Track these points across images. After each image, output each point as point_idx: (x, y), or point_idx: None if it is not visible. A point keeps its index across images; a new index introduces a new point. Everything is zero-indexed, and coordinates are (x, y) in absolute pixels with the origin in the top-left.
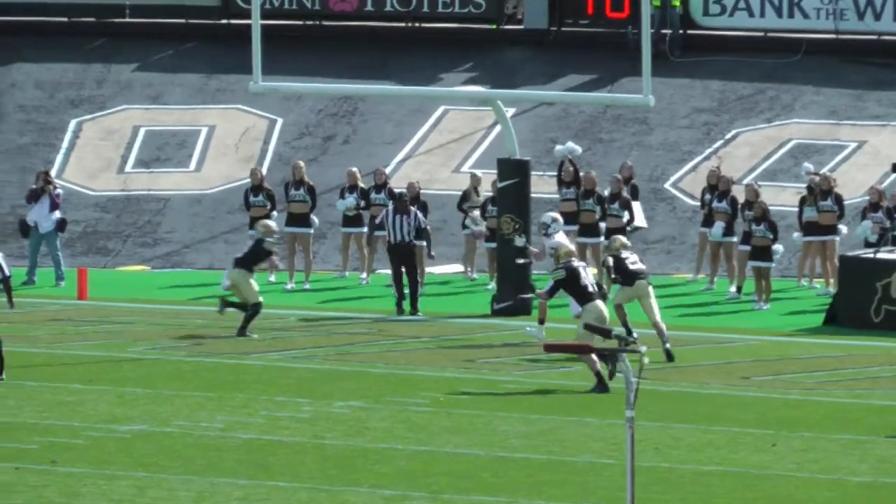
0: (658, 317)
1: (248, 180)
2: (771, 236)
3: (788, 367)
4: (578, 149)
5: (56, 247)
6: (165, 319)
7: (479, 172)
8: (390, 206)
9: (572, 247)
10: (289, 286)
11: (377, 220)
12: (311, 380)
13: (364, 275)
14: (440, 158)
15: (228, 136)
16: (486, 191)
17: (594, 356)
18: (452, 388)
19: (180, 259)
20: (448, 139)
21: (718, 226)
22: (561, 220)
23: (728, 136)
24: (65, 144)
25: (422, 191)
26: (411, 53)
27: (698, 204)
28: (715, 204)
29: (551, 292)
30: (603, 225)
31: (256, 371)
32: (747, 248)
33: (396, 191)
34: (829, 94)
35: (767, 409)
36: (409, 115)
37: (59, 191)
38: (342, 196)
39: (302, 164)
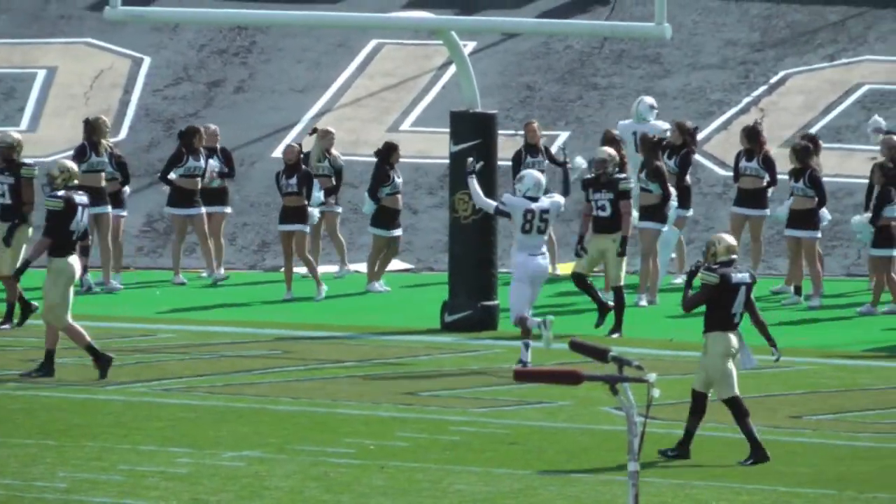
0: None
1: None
2: (813, 194)
3: (855, 401)
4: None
5: None
6: None
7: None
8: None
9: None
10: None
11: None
12: (189, 421)
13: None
14: (371, 112)
15: (75, 82)
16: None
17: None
18: (387, 433)
19: None
20: (382, 85)
21: (786, 204)
22: None
23: (773, 79)
24: None
25: (345, 157)
26: None
27: (731, 174)
28: (743, 163)
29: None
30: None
31: (115, 409)
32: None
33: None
34: None
35: (826, 461)
36: (328, 53)
37: None
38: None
39: (214, 127)
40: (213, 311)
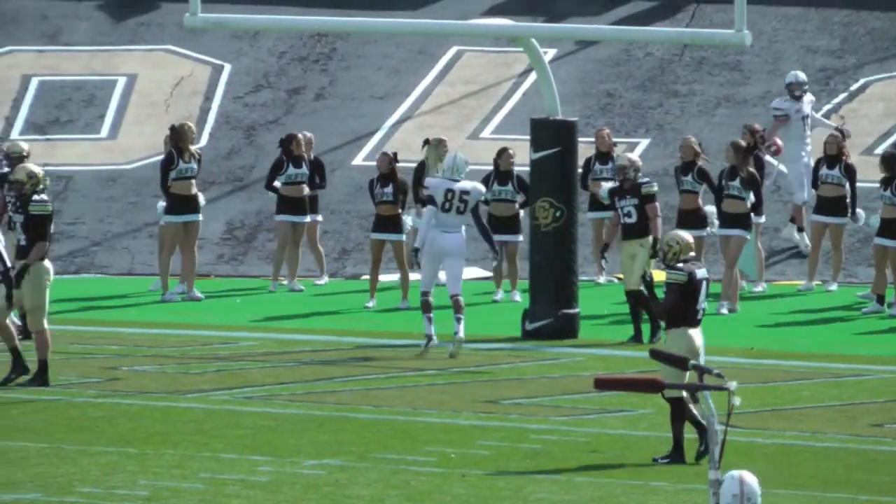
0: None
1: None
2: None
3: None
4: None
5: None
6: (67, 345)
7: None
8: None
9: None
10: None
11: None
12: (270, 429)
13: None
14: (452, 119)
15: (155, 89)
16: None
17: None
18: (468, 441)
19: (88, 261)
20: (463, 93)
21: (876, 218)
22: None
23: (854, 86)
24: None
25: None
26: None
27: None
28: (824, 171)
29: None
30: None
31: (195, 417)
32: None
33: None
34: None
35: None
36: (408, 60)
37: None
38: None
39: (310, 135)
40: (294, 320)
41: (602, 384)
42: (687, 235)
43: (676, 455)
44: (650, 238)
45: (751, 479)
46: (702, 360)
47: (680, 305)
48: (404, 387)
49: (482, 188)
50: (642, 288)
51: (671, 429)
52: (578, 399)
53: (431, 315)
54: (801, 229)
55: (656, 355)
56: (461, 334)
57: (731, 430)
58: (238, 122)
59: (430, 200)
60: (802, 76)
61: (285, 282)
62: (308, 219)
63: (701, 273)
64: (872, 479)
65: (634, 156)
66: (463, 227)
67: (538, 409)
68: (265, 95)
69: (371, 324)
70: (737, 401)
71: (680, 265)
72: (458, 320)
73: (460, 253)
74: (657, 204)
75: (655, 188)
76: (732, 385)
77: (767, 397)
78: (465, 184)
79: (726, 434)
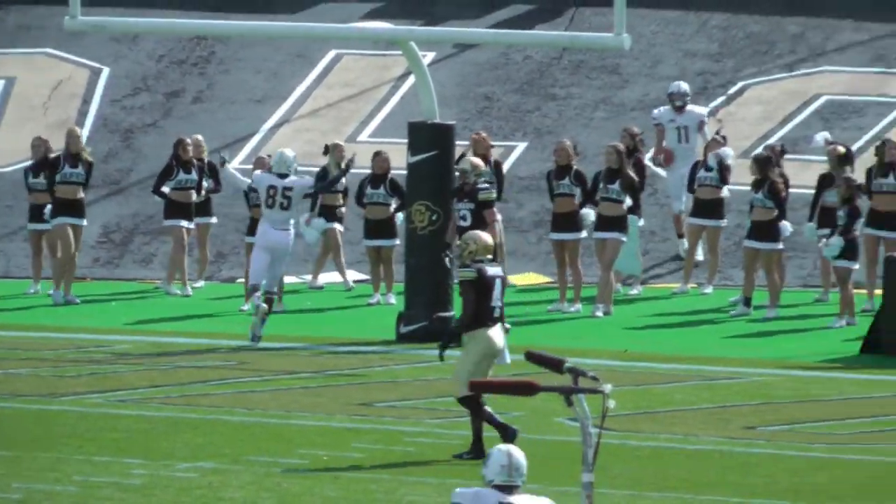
0: None
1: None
2: (772, 205)
3: (809, 412)
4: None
5: None
6: None
7: (341, 142)
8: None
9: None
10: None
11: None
12: (144, 432)
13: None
14: (330, 123)
15: (33, 92)
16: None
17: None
18: (341, 444)
19: None
20: (341, 96)
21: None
22: None
23: (732, 90)
24: None
25: (303, 167)
26: None
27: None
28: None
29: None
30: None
31: (69, 420)
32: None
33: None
34: (877, 32)
35: (780, 472)
36: (286, 63)
37: None
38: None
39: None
40: (169, 323)
41: (477, 387)
42: (486, 237)
43: (477, 450)
44: None
45: (518, 452)
46: (507, 359)
47: (476, 304)
48: (278, 390)
49: (308, 181)
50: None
51: (471, 424)
52: (453, 402)
53: (258, 301)
54: (680, 236)
55: (531, 357)
56: (259, 332)
57: (605, 433)
58: (116, 126)
59: (254, 192)
60: (684, 87)
61: (159, 283)
62: (192, 224)
63: (493, 271)
64: (745, 482)
65: (478, 160)
66: (292, 224)
67: (412, 412)
68: (143, 98)
69: (245, 327)
70: (611, 403)
71: (470, 263)
72: (263, 321)
73: (285, 252)
74: (495, 209)
75: (493, 195)
76: (607, 388)
77: (641, 400)
78: (291, 179)
79: (600, 437)
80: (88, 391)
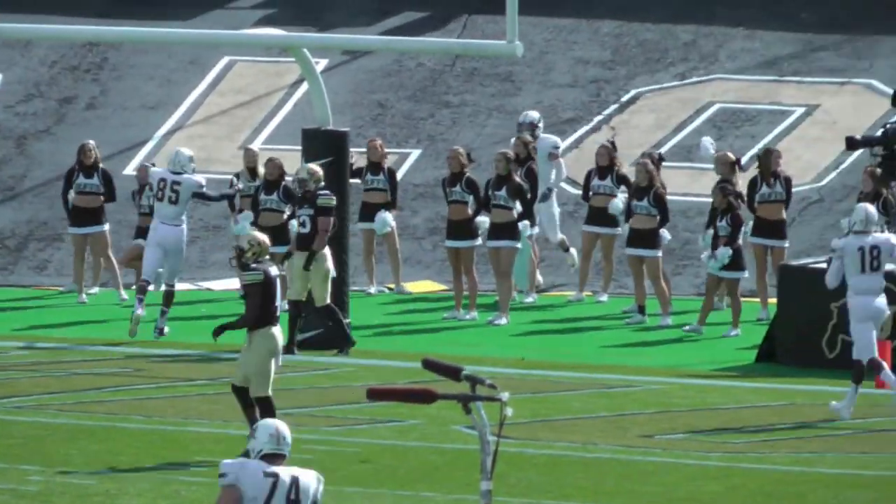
0: None
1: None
2: (656, 213)
3: (706, 421)
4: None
5: None
6: None
7: (255, 147)
8: None
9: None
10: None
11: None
12: (40, 439)
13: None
14: (223, 129)
15: None
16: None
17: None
18: (237, 451)
19: None
20: (234, 103)
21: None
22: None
23: (625, 97)
24: None
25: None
26: None
27: (580, 192)
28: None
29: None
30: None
31: None
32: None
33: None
34: (768, 40)
35: (677, 480)
36: (179, 70)
37: None
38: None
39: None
40: (65, 329)
41: (375, 394)
42: (263, 237)
43: None
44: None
45: (283, 425)
46: (280, 361)
47: (258, 305)
48: (175, 397)
49: (199, 180)
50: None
51: (246, 419)
52: (349, 409)
53: (143, 297)
54: (567, 249)
55: (428, 365)
56: (164, 327)
57: (503, 441)
58: (9, 132)
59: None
60: (532, 115)
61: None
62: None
63: (275, 272)
64: (643, 490)
65: (316, 166)
66: (184, 219)
67: (309, 420)
68: (36, 105)
69: (141, 334)
70: (509, 411)
71: (254, 266)
72: (164, 313)
73: (178, 247)
74: (331, 219)
75: (332, 202)
76: (505, 396)
77: (538, 408)
78: (183, 176)
79: (498, 445)
80: None
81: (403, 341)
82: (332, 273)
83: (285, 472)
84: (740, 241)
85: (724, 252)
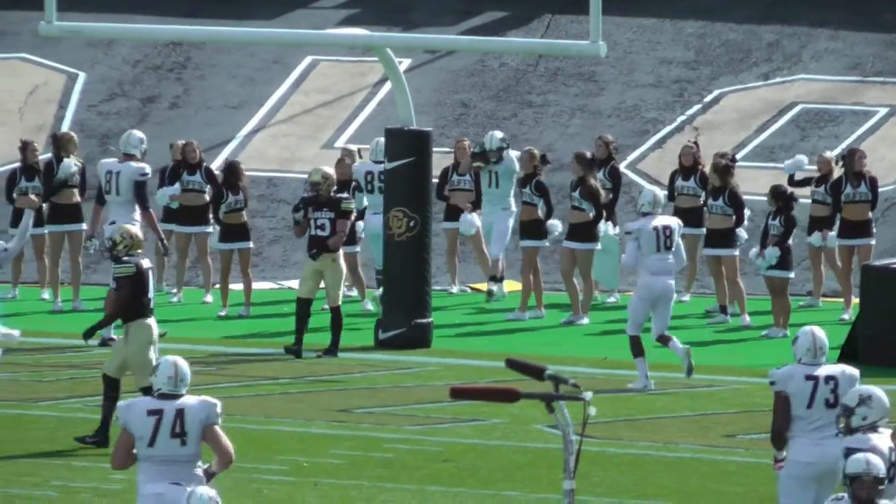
0: None
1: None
2: (732, 213)
3: None
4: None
5: None
6: None
7: (353, 146)
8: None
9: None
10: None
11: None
12: None
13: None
14: (307, 129)
15: (9, 98)
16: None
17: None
18: (320, 450)
19: None
20: (317, 102)
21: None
22: None
23: (708, 98)
24: None
25: (279, 174)
26: None
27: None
28: (679, 182)
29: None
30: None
31: (48, 425)
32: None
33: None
34: (852, 40)
35: (759, 480)
36: (262, 69)
37: None
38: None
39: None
40: None
41: (458, 393)
42: (136, 230)
43: (102, 435)
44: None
45: (183, 362)
46: (157, 350)
47: (131, 296)
48: (257, 395)
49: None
50: None
51: (102, 408)
52: (431, 408)
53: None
54: (501, 279)
55: (512, 364)
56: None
57: (586, 440)
58: (92, 131)
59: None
60: (497, 135)
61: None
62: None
63: (147, 264)
64: (725, 490)
65: (329, 170)
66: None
67: (391, 419)
68: (119, 104)
69: (223, 332)
70: (592, 411)
71: (126, 258)
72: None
73: None
74: (349, 221)
75: (353, 205)
76: (588, 395)
77: (621, 407)
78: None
79: (581, 444)
80: (67, 396)
81: (484, 341)
82: (345, 273)
83: (171, 406)
84: (790, 242)
85: (773, 252)
